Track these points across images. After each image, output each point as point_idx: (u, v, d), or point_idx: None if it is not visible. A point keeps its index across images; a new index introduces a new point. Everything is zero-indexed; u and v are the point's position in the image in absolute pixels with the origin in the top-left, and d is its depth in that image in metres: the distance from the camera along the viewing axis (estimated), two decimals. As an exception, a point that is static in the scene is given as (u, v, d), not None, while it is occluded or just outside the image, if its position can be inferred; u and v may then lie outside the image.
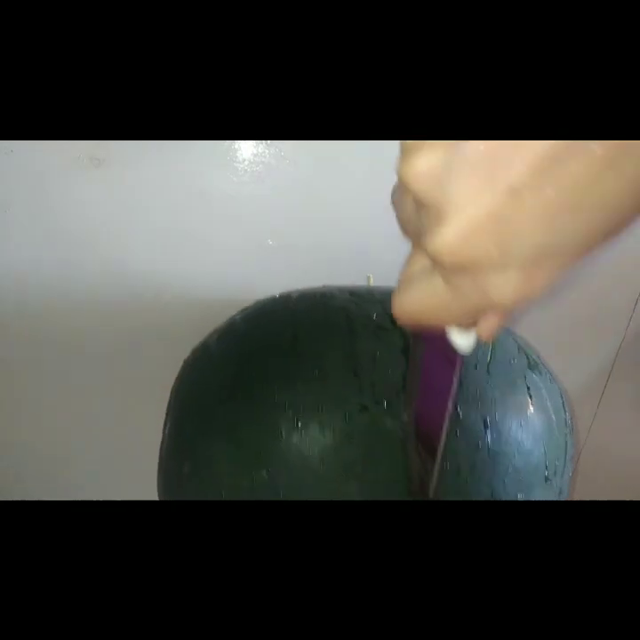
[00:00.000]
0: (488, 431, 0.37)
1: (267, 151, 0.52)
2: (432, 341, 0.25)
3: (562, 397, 0.42)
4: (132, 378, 0.58)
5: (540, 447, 0.38)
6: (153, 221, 0.53)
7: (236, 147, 0.52)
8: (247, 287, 0.53)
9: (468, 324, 0.23)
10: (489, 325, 0.22)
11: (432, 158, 0.18)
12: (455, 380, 0.27)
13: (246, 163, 0.52)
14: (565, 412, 0.42)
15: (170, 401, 0.44)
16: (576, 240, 0.18)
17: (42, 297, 0.54)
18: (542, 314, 0.60)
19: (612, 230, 0.19)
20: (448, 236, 0.18)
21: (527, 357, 0.41)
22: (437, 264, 0.20)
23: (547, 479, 0.39)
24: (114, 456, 0.60)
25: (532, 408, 0.39)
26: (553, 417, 0.40)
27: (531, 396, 0.39)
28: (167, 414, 0.44)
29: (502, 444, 0.37)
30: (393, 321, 0.24)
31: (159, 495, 0.43)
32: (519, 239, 0.18)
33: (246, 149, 0.52)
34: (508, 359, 0.40)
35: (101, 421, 0.59)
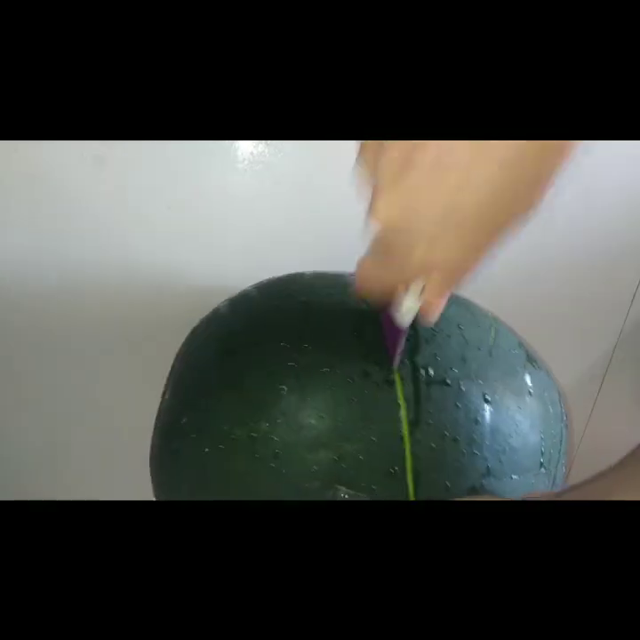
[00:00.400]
0: (487, 407, 0.37)
1: (266, 150, 0.52)
2: (384, 316, 0.36)
3: (558, 394, 0.42)
4: (132, 375, 0.58)
5: (536, 432, 0.38)
6: (154, 221, 0.53)
7: (237, 146, 0.52)
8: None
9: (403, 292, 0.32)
10: (430, 302, 0.32)
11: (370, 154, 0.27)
12: (398, 344, 0.36)
13: (246, 162, 0.52)
14: (561, 407, 0.42)
15: (173, 366, 0.44)
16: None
17: (43, 295, 0.54)
18: (540, 309, 0.61)
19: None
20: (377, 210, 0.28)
21: (526, 353, 0.42)
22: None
23: (542, 465, 0.38)
24: (113, 454, 0.59)
25: (530, 395, 0.39)
26: (550, 408, 0.40)
27: (529, 384, 0.40)
28: (167, 382, 0.44)
29: (500, 422, 0.37)
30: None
31: (151, 450, 0.42)
32: (421, 214, 0.27)
33: (246, 149, 0.52)
34: (508, 348, 0.41)
35: (100, 419, 0.59)
